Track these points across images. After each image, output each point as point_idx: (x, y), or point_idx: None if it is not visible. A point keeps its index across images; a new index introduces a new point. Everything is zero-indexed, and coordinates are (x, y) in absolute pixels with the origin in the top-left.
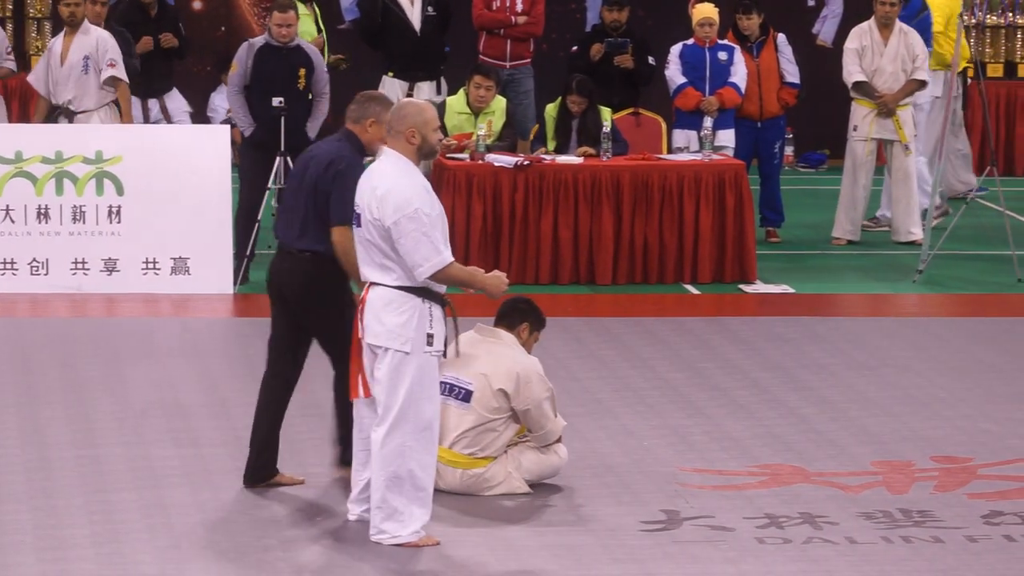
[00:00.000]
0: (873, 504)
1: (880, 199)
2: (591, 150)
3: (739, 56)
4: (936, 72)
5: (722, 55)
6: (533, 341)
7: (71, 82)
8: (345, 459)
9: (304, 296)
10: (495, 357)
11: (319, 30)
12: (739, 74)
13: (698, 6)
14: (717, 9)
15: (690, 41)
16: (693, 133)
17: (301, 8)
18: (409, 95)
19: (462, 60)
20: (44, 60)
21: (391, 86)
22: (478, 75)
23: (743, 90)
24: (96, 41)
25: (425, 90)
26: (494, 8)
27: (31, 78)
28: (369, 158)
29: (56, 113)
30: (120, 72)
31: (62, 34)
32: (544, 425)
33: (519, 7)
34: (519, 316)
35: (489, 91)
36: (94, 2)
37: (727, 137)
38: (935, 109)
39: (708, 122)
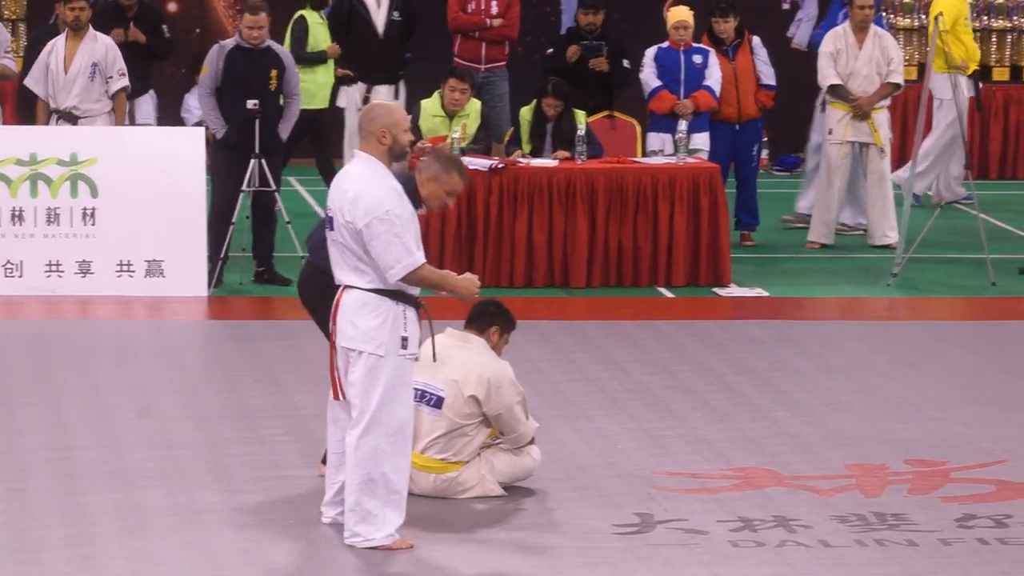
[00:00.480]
0: (847, 507)
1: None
2: (567, 154)
3: (714, 59)
4: (944, 74)
5: (697, 58)
6: (503, 343)
7: (76, 88)
8: None
9: (316, 302)
10: (466, 363)
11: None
12: (714, 77)
13: (672, 9)
14: (692, 12)
15: (665, 44)
16: (668, 136)
17: (315, 16)
18: (367, 98)
19: (435, 63)
20: (42, 63)
21: (348, 87)
22: (453, 78)
23: (718, 93)
24: (106, 49)
25: (383, 93)
26: (469, 10)
27: (29, 81)
28: (419, 211)
29: (56, 118)
30: (127, 80)
31: (63, 38)
32: (516, 428)
33: (494, 9)
34: (488, 319)
35: (464, 94)
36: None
37: (701, 140)
38: (943, 110)
39: (683, 125)
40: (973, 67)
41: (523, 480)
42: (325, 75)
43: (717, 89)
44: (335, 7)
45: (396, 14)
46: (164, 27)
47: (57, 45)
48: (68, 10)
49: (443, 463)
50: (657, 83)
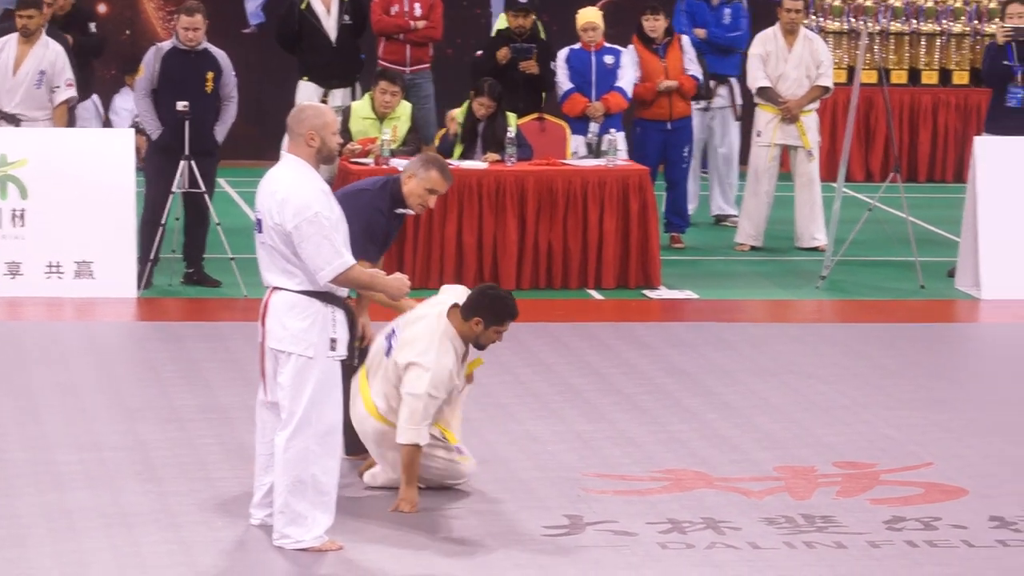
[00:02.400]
0: (776, 509)
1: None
2: (496, 156)
3: (626, 59)
4: None
5: (608, 59)
6: (494, 336)
7: (20, 93)
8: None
9: None
10: (417, 336)
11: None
12: (626, 78)
13: (581, 11)
14: (601, 13)
15: (577, 46)
16: (581, 138)
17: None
18: (323, 101)
19: (369, 65)
20: None
21: (306, 90)
22: (384, 80)
23: (630, 94)
24: (55, 57)
25: (339, 96)
26: (392, 13)
27: None
28: (404, 210)
29: None
30: (74, 91)
31: (14, 41)
32: (407, 420)
33: (417, 12)
34: (471, 309)
35: (395, 96)
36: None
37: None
38: None
39: (594, 127)
40: None
41: (455, 483)
42: None
43: (629, 90)
44: (284, 18)
45: (347, 18)
46: (91, 24)
47: (9, 45)
48: (17, 17)
49: (383, 417)
50: (569, 85)
